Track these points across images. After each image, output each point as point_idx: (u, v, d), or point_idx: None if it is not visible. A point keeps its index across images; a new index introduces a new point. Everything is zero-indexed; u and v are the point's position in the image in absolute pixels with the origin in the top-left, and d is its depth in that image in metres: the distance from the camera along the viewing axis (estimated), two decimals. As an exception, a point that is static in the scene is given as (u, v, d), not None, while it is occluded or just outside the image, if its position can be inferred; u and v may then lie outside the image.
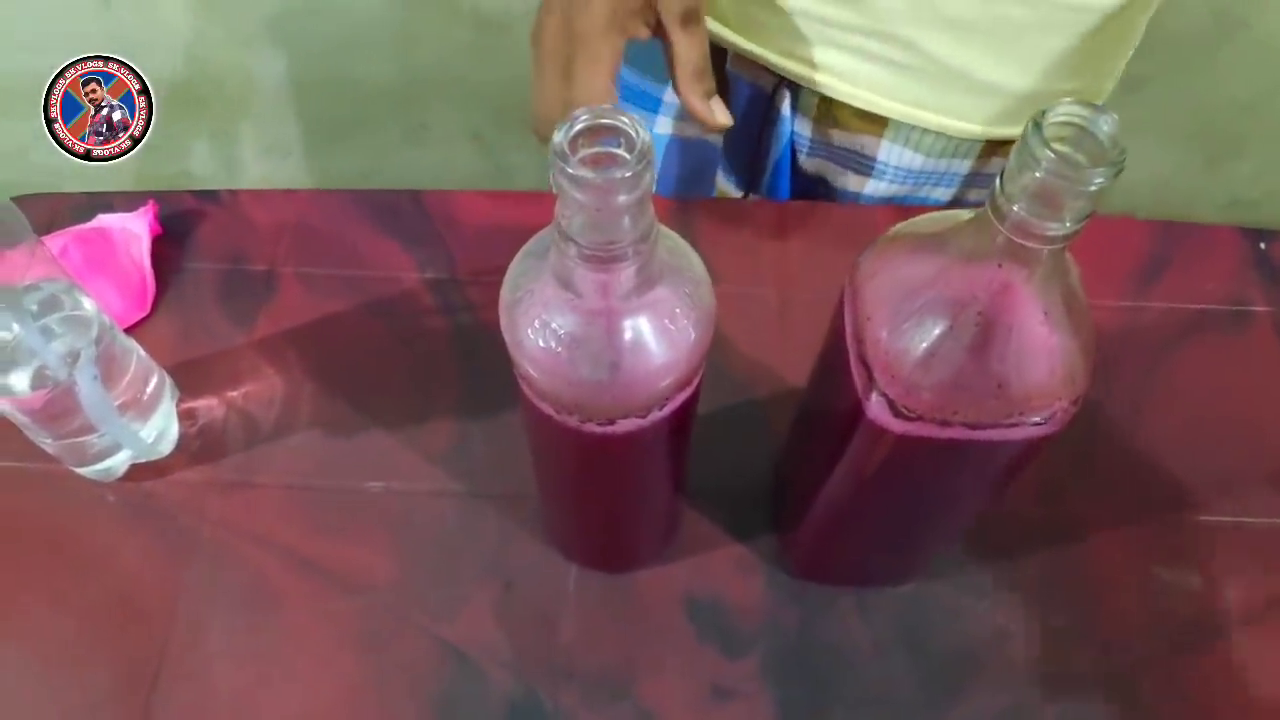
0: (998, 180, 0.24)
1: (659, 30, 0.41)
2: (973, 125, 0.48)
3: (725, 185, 0.60)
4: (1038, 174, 0.22)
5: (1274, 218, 1.11)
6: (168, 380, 0.45)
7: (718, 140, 0.58)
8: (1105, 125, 0.22)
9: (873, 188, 0.53)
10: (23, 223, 0.36)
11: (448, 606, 0.41)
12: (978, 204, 0.25)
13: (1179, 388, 0.48)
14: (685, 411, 0.31)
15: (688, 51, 0.41)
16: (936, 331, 0.26)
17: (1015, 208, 0.23)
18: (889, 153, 0.51)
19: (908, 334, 0.27)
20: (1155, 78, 0.91)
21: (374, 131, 1.09)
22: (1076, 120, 0.22)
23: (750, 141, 0.56)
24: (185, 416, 0.46)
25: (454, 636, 0.41)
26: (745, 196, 0.59)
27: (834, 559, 0.41)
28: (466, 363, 0.48)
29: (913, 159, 0.51)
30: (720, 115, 0.43)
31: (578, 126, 0.23)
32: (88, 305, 0.39)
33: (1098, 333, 0.28)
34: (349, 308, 0.50)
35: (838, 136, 0.52)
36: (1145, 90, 0.93)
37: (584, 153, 0.23)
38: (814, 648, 0.41)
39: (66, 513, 0.44)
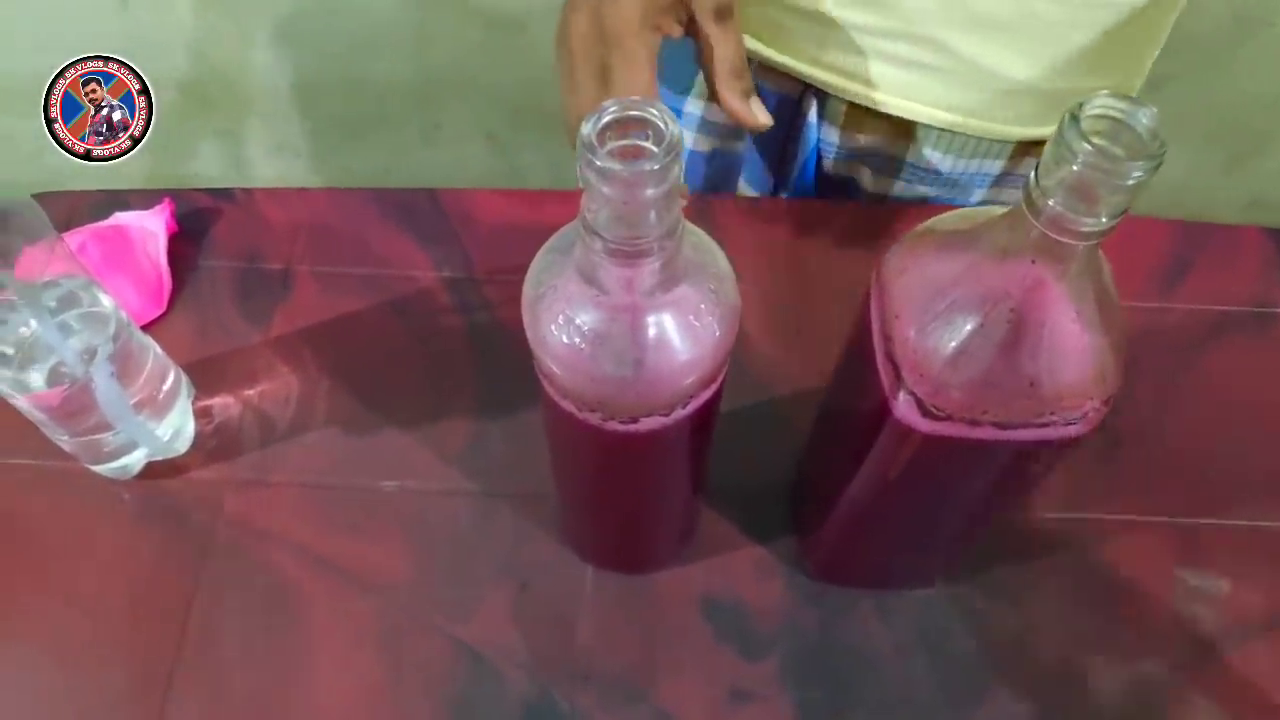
0: (1032, 174, 0.23)
1: (691, 28, 0.39)
2: (1002, 126, 0.48)
3: (748, 194, 0.59)
4: (1075, 167, 0.21)
5: (1295, 219, 1.10)
6: (184, 378, 0.45)
7: (740, 150, 0.57)
8: (1144, 118, 0.22)
9: (900, 189, 0.53)
10: (43, 219, 0.36)
11: (463, 606, 0.41)
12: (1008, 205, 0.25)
13: (1203, 390, 0.47)
14: (708, 410, 0.31)
15: (724, 48, 0.39)
16: (967, 329, 0.26)
17: (1051, 202, 0.23)
18: (918, 155, 0.51)
19: (937, 331, 0.26)
20: (1175, 77, 0.90)
21: (387, 131, 1.09)
22: (1114, 113, 0.22)
23: (775, 150, 0.55)
24: (201, 414, 0.46)
25: (469, 637, 0.40)
26: None
27: (855, 561, 0.40)
28: (482, 361, 0.48)
29: (942, 160, 0.50)
30: (760, 115, 0.41)
31: (606, 118, 0.22)
32: (105, 302, 0.39)
33: (1123, 333, 0.27)
34: (365, 306, 0.50)
35: (866, 141, 0.52)
36: (1165, 90, 0.92)
37: (611, 145, 0.23)
38: (834, 650, 0.40)
39: (82, 511, 0.43)
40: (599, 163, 0.22)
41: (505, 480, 0.44)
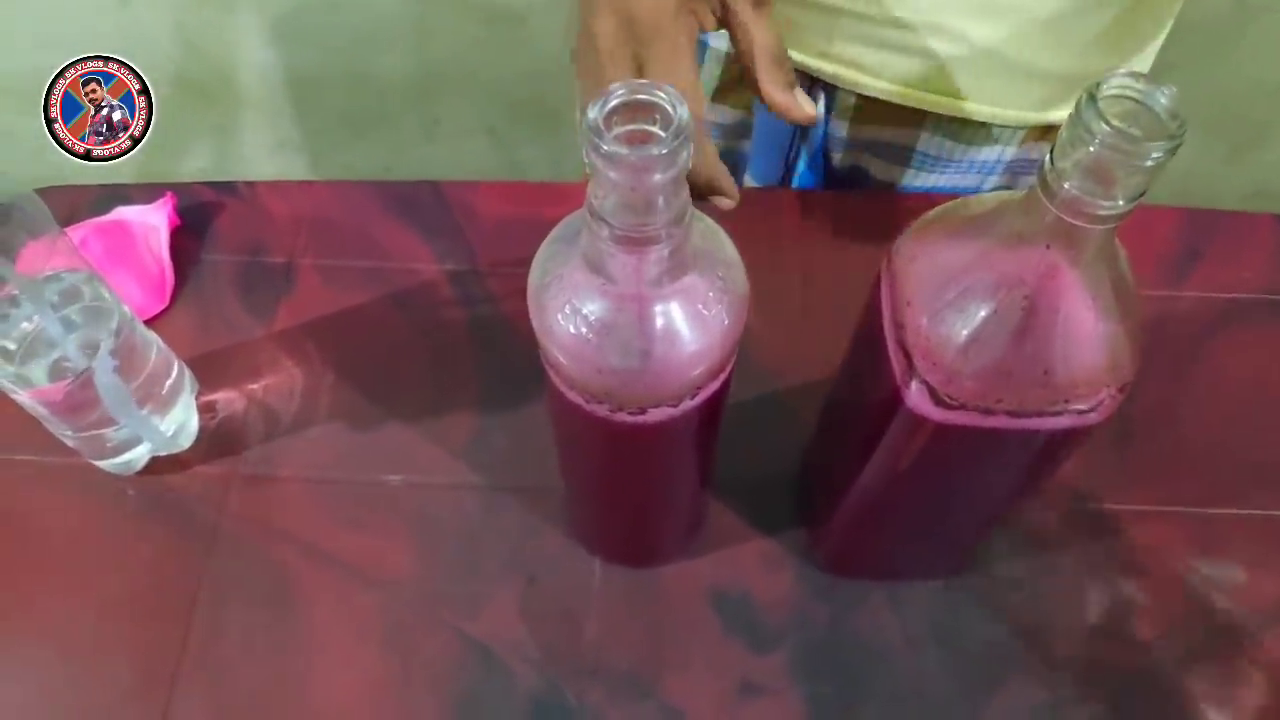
0: (1047, 157, 0.23)
1: (725, 18, 0.37)
2: (1012, 111, 0.47)
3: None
4: (1092, 148, 0.21)
5: (1300, 208, 1.09)
6: (187, 373, 0.45)
7: (745, 149, 0.57)
8: (1163, 98, 0.21)
9: (911, 178, 0.52)
10: (45, 213, 0.36)
11: (470, 601, 0.41)
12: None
13: (1216, 378, 0.47)
14: (717, 400, 0.30)
15: (763, 35, 0.36)
16: (981, 316, 0.25)
17: (1067, 185, 0.22)
18: (929, 144, 0.50)
19: (950, 319, 0.26)
20: (1177, 65, 0.89)
21: (387, 127, 1.09)
22: (1131, 93, 0.22)
23: (781, 147, 0.55)
24: (205, 409, 0.45)
25: (477, 632, 0.40)
26: None
27: (866, 553, 0.40)
28: (486, 354, 0.47)
29: (953, 149, 0.50)
30: (807, 106, 0.38)
31: (613, 102, 0.22)
32: (108, 296, 0.39)
33: (1135, 321, 0.27)
34: (368, 299, 0.49)
35: (875, 132, 0.51)
36: (1166, 78, 0.91)
37: (618, 130, 0.22)
38: (844, 643, 0.40)
39: (87, 506, 0.43)
40: (606, 147, 0.21)
41: (511, 473, 0.44)
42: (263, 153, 1.11)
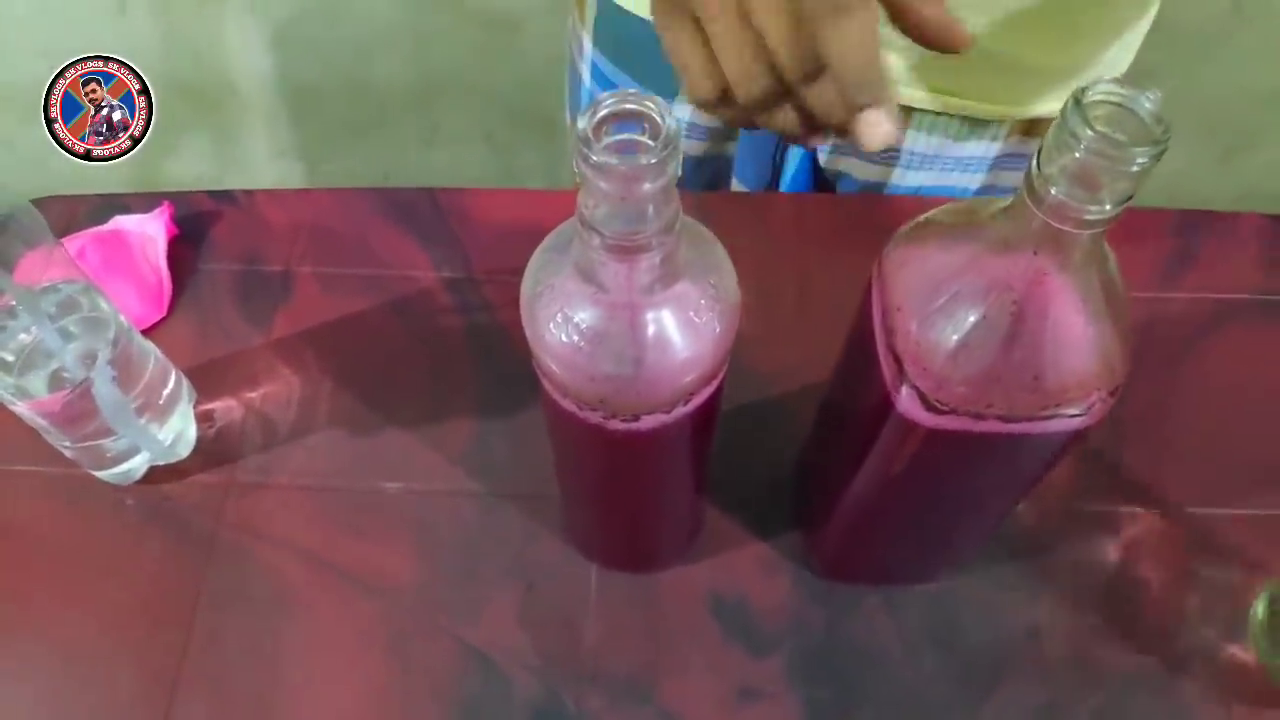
0: (1033, 162, 0.23)
1: None
2: (996, 105, 0.48)
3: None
4: (1077, 154, 0.21)
5: (1293, 209, 1.09)
6: (185, 382, 0.45)
7: (731, 151, 0.57)
8: (1147, 103, 0.21)
9: (899, 177, 0.53)
10: (41, 224, 0.36)
11: (469, 608, 0.41)
12: (1008, 191, 0.25)
13: (1208, 379, 0.47)
14: (710, 407, 0.30)
15: None
16: (970, 322, 0.26)
17: (1053, 190, 0.22)
18: (914, 140, 0.50)
19: (939, 324, 0.26)
20: (1167, 69, 0.90)
21: (385, 134, 1.09)
22: (1116, 98, 0.22)
23: (766, 151, 0.55)
24: (203, 418, 0.46)
25: (476, 639, 0.40)
26: None
27: (861, 557, 0.40)
28: (484, 361, 0.48)
29: (941, 144, 0.50)
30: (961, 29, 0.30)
31: (602, 112, 0.22)
32: (105, 307, 0.39)
33: (1127, 324, 0.27)
34: (366, 307, 0.49)
35: None
36: (1157, 82, 0.91)
37: (608, 140, 0.22)
38: (841, 647, 0.40)
39: (86, 517, 0.43)
40: (595, 156, 0.21)
41: (509, 480, 0.44)
42: (262, 159, 1.12)
